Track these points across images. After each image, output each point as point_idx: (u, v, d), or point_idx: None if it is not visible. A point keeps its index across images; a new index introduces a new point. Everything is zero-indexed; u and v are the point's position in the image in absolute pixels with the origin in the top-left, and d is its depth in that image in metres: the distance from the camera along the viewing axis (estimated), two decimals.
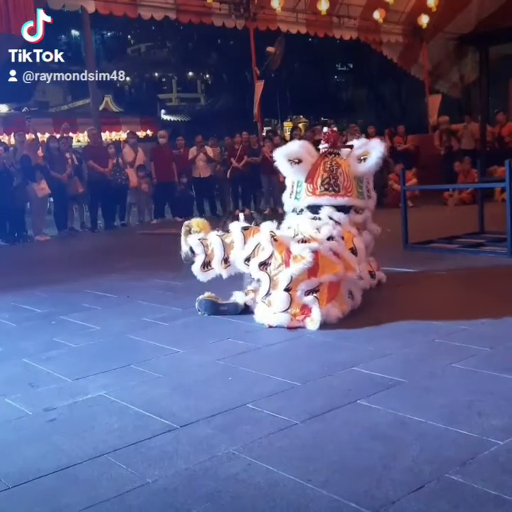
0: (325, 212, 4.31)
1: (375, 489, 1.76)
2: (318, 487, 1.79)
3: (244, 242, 3.91)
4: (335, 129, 5.42)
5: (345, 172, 4.49)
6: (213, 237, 4.07)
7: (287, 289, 3.65)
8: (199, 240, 4.10)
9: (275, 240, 3.77)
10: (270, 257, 3.76)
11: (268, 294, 3.74)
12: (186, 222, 4.30)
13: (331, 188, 4.44)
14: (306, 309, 3.60)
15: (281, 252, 3.74)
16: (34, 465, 2.06)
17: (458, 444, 1.98)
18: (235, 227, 4.02)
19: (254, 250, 3.84)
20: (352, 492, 1.75)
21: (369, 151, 4.55)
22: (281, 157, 4.61)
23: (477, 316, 3.51)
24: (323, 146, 4.68)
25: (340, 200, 4.41)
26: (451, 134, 12.98)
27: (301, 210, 4.54)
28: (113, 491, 1.86)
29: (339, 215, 4.30)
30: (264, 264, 3.77)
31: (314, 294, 3.61)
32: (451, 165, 11.82)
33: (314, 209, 4.42)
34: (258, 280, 3.84)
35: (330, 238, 3.90)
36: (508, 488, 1.70)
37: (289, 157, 4.57)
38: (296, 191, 4.61)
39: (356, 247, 4.05)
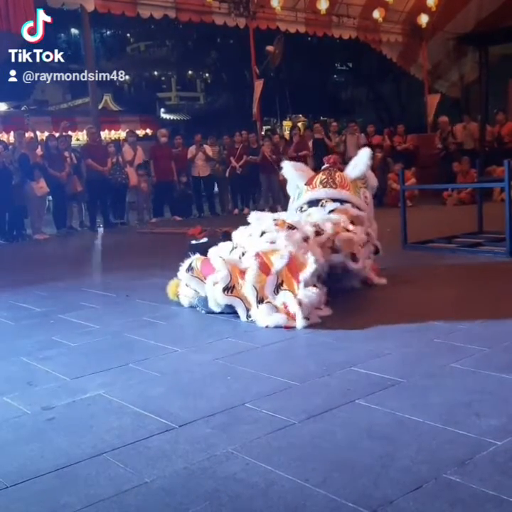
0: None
1: (373, 489, 1.76)
2: (316, 487, 1.79)
3: (202, 280, 4.00)
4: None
5: (342, 176, 4.89)
6: (185, 290, 4.18)
7: (260, 301, 3.68)
8: (185, 296, 4.22)
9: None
10: (231, 280, 3.80)
11: (249, 316, 3.75)
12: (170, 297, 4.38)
13: (328, 185, 4.79)
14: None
15: (236, 273, 3.81)
16: (32, 464, 2.06)
17: (456, 444, 1.98)
18: (182, 273, 4.15)
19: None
20: (350, 491, 1.75)
21: (360, 160, 5.02)
22: (289, 165, 5.25)
23: (476, 316, 3.51)
24: (324, 167, 5.16)
25: (337, 193, 4.73)
26: (450, 135, 13.00)
27: (301, 208, 4.80)
28: (111, 490, 1.86)
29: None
30: (227, 289, 3.81)
31: (282, 288, 3.64)
32: (450, 165, 11.83)
33: (313, 204, 4.73)
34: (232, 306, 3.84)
35: (263, 233, 4.00)
36: (506, 489, 1.70)
37: (295, 167, 5.20)
38: (298, 195, 4.99)
39: (292, 224, 4.08)
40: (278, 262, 3.70)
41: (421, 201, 10.90)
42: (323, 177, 4.88)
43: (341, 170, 5.08)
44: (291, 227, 4.02)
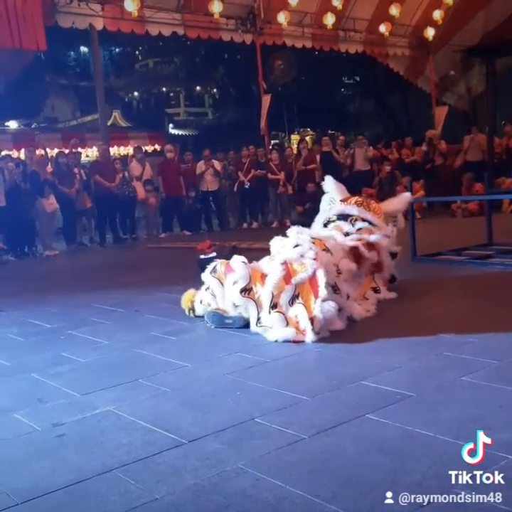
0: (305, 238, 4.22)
1: (383, 504, 1.75)
2: (326, 502, 1.78)
3: (222, 284, 4.05)
4: None
5: (378, 205, 5.08)
6: (204, 294, 4.23)
7: (273, 307, 3.69)
8: (201, 303, 4.27)
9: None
10: (250, 281, 3.84)
11: (259, 319, 3.77)
12: (183, 308, 4.43)
13: (362, 207, 4.95)
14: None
15: (256, 277, 3.86)
16: (43, 480, 2.07)
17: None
18: (206, 275, 4.19)
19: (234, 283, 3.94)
20: (360, 507, 1.75)
21: (398, 201, 5.44)
22: (330, 179, 5.37)
23: (486, 329, 3.50)
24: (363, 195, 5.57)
25: (369, 215, 4.87)
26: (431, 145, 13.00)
27: (329, 219, 4.92)
28: (122, 506, 1.86)
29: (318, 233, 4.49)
30: (245, 290, 3.85)
31: (298, 301, 3.64)
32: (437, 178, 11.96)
33: (343, 218, 4.84)
34: (245, 308, 3.88)
35: (296, 246, 3.99)
36: None
37: (336, 184, 5.29)
38: (330, 208, 5.10)
39: (328, 247, 4.07)
40: (300, 274, 3.72)
41: (429, 213, 10.88)
42: (360, 199, 5.09)
43: (377, 202, 5.25)
44: (327, 250, 4.02)
